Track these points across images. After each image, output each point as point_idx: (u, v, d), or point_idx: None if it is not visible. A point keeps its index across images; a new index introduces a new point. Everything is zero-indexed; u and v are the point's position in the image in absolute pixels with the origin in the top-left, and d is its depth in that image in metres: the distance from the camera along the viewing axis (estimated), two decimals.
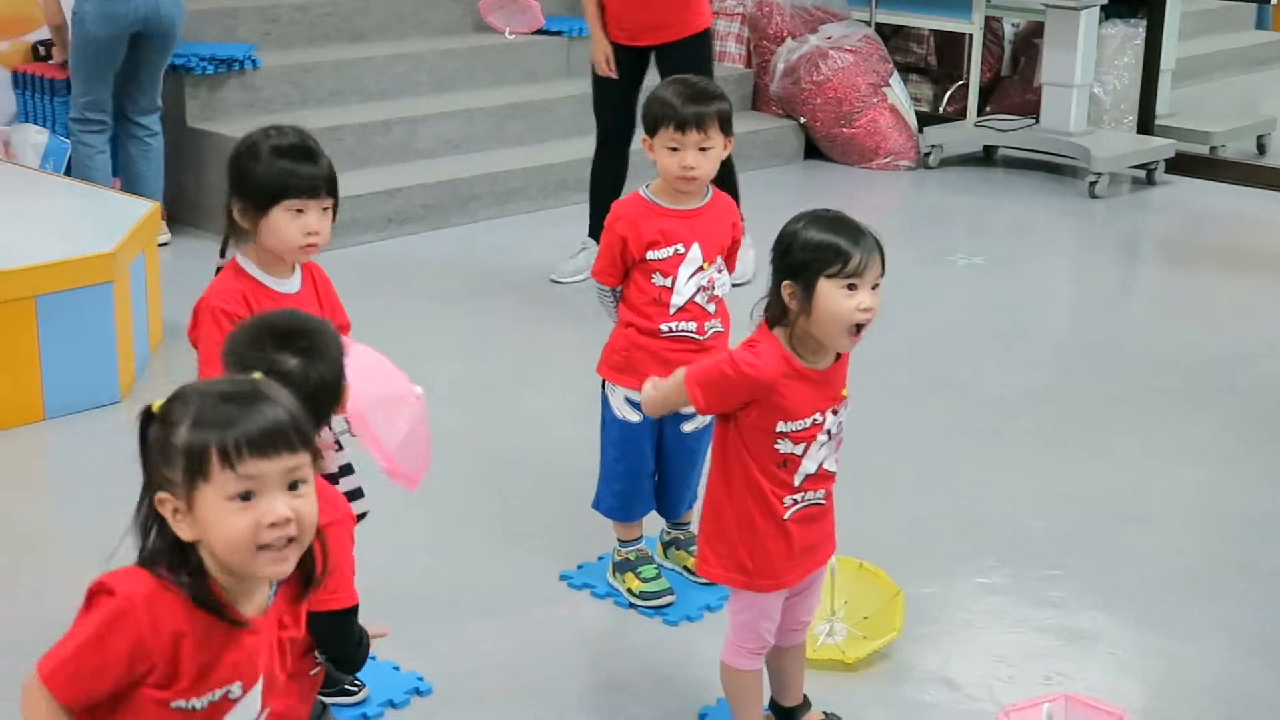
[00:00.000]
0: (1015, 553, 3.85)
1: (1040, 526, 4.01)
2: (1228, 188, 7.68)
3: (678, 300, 3.41)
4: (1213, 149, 8.04)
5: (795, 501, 2.74)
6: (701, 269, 3.42)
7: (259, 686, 1.97)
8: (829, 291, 2.59)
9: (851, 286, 2.60)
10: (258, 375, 2.00)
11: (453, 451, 4.34)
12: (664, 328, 3.42)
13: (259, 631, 1.96)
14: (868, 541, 3.59)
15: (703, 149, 3.35)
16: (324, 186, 2.91)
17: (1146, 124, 7.95)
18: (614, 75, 5.62)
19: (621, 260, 3.43)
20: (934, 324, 5.64)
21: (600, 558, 3.71)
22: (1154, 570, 3.80)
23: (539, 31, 7.76)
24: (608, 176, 5.80)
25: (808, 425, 2.69)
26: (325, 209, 2.92)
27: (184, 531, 1.88)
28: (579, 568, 3.70)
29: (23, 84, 6.59)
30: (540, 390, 4.92)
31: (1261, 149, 8.24)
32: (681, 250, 3.40)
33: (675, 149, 3.35)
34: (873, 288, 2.62)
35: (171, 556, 1.90)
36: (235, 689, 1.94)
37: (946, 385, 5.01)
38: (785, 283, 2.63)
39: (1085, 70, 7.62)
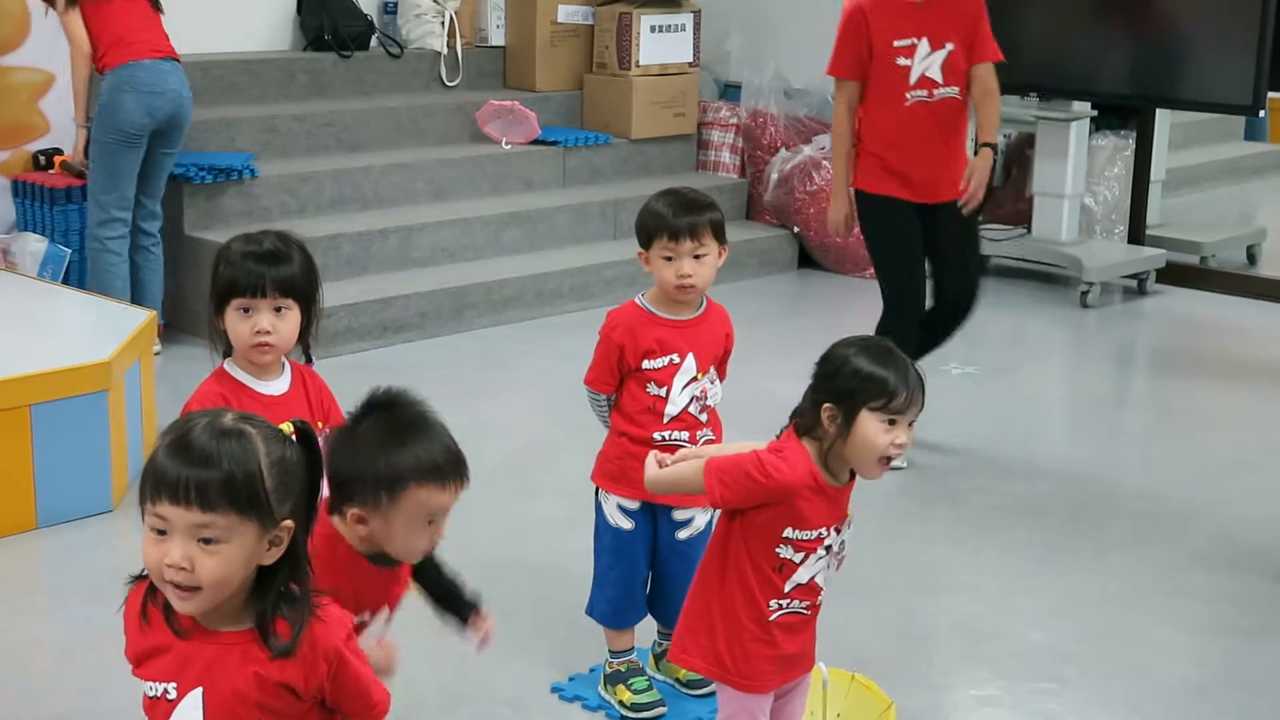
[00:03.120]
0: (1010, 665, 3.83)
1: (1036, 638, 3.99)
2: (1219, 297, 7.73)
3: (672, 410, 3.43)
4: (1203, 259, 8.09)
5: (780, 606, 2.74)
6: (695, 379, 3.44)
7: (197, 700, 2.02)
8: (869, 423, 2.62)
9: (892, 422, 2.63)
10: (286, 427, 2.06)
11: (447, 558, 4.32)
12: (657, 436, 3.43)
13: (212, 644, 2.03)
14: (861, 653, 3.58)
15: (697, 257, 3.38)
16: (274, 286, 2.88)
17: (1137, 234, 8.02)
18: (841, 240, 5.35)
19: (617, 369, 3.45)
20: (928, 433, 5.63)
21: (592, 669, 3.69)
22: (1153, 682, 3.77)
23: (535, 141, 7.85)
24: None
25: (813, 538, 2.70)
26: (279, 309, 2.89)
27: None
28: (570, 679, 3.68)
29: (22, 192, 6.64)
30: (535, 498, 4.91)
31: (1252, 259, 8.30)
32: (677, 360, 3.42)
33: (671, 258, 3.38)
34: (909, 424, 2.65)
35: None
36: (171, 689, 2.03)
37: (940, 495, 5.00)
38: (827, 405, 2.65)
39: (1076, 181, 7.70)
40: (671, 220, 3.37)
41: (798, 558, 2.70)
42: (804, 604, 2.77)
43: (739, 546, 2.74)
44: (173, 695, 2.03)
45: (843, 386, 2.64)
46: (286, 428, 2.05)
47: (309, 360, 3.07)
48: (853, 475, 2.74)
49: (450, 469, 2.47)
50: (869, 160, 5.15)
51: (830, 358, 2.70)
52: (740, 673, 2.78)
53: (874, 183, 5.16)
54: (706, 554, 2.83)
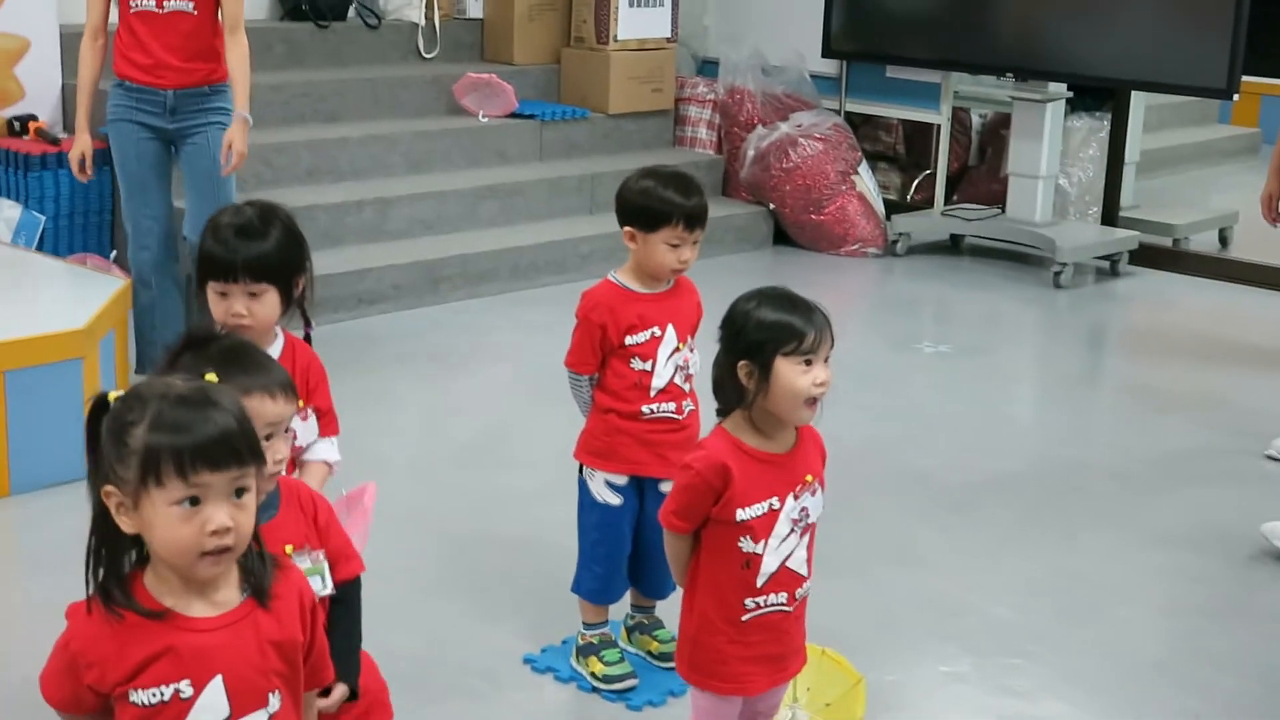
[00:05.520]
0: (979, 641, 3.87)
1: (1004, 614, 4.03)
2: (1191, 280, 7.78)
3: (658, 382, 3.45)
4: (1176, 241, 8.14)
5: (757, 605, 2.71)
6: (678, 349, 3.46)
7: (218, 688, 1.99)
8: (786, 370, 2.63)
9: (808, 362, 2.63)
10: (211, 377, 2.04)
11: (420, 530, 4.35)
12: (645, 410, 3.45)
13: (214, 629, 1.99)
14: (831, 628, 3.60)
15: (696, 242, 3.41)
16: (246, 271, 2.88)
17: (1111, 216, 8.06)
18: (1269, 220, 5.30)
19: (600, 348, 3.45)
20: (899, 411, 5.68)
21: (564, 641, 3.71)
22: (1118, 659, 3.82)
23: (512, 115, 7.84)
24: None
25: (764, 511, 2.68)
26: (253, 294, 2.89)
27: (126, 525, 1.96)
28: (543, 651, 3.70)
29: None
30: (508, 470, 4.92)
31: (1224, 242, 8.35)
32: (659, 333, 3.44)
33: (677, 245, 3.39)
34: (824, 361, 2.66)
35: (114, 544, 1.99)
36: (185, 687, 1.98)
37: (911, 472, 5.04)
38: (741, 363, 2.66)
39: (1051, 162, 7.73)
40: (688, 207, 3.37)
41: (759, 547, 2.68)
42: (780, 598, 2.73)
43: (707, 553, 2.73)
44: (188, 693, 1.98)
45: (752, 340, 2.65)
46: (211, 377, 2.04)
47: (308, 324, 3.07)
48: (797, 441, 2.73)
49: (253, 379, 2.34)
50: None
51: (734, 316, 2.70)
52: (718, 675, 2.75)
53: None
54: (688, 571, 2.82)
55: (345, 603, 2.53)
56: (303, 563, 2.43)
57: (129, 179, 5.33)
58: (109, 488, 1.95)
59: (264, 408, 2.33)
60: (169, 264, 5.35)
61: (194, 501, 1.91)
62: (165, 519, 1.92)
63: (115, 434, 1.94)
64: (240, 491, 1.94)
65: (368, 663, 2.70)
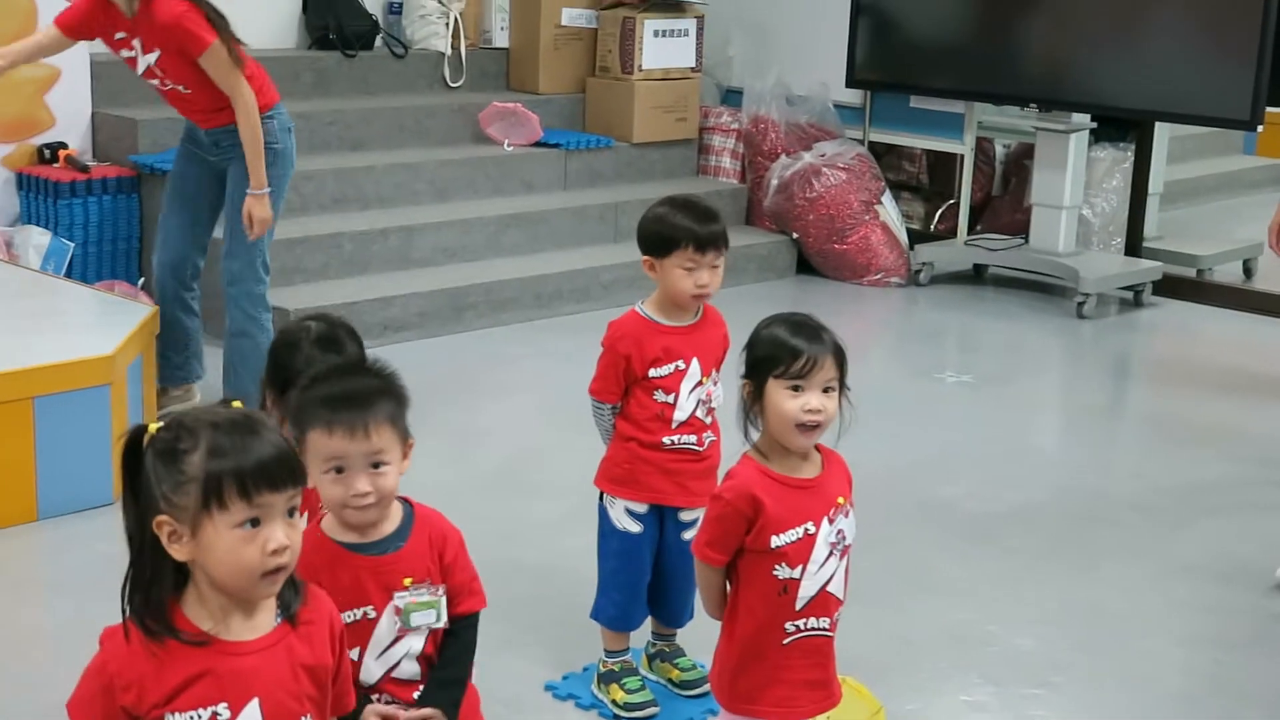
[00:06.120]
0: (999, 670, 3.87)
1: (1025, 644, 4.03)
2: (1215, 310, 7.77)
3: (680, 415, 3.47)
4: (1200, 272, 8.13)
5: (798, 629, 2.72)
6: (700, 383, 3.48)
7: (255, 711, 2.02)
8: (774, 392, 2.65)
9: (797, 388, 2.64)
10: (237, 404, 2.08)
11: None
12: (666, 441, 3.47)
13: (252, 653, 2.03)
14: (852, 656, 3.60)
15: (714, 266, 3.42)
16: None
17: (1135, 246, 8.05)
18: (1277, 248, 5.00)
19: (624, 378, 3.48)
20: (922, 441, 5.68)
21: (585, 668, 3.72)
22: (1140, 690, 3.81)
23: (537, 144, 7.88)
24: None
25: (800, 536, 2.68)
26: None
27: (178, 553, 1.99)
28: (564, 678, 3.72)
29: (26, 186, 6.68)
30: (530, 497, 4.94)
31: (1248, 273, 8.33)
32: (683, 366, 3.46)
33: (691, 269, 3.40)
34: (825, 390, 2.65)
35: (156, 574, 2.00)
36: (222, 710, 2.01)
37: (933, 501, 5.04)
38: (743, 381, 2.71)
39: (1074, 192, 7.74)
40: (700, 232, 3.38)
41: (796, 572, 2.69)
42: (824, 622, 2.74)
43: (743, 582, 2.73)
44: (225, 715, 2.01)
45: (754, 359, 2.69)
46: (237, 404, 2.09)
47: None
48: (835, 465, 2.75)
49: (337, 415, 2.41)
50: None
51: (750, 337, 2.74)
52: (764, 700, 2.75)
53: None
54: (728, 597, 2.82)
55: (458, 636, 2.59)
56: (420, 596, 2.49)
57: (167, 190, 5.48)
58: (162, 518, 1.97)
59: (330, 444, 2.41)
60: (167, 283, 5.39)
61: (254, 523, 1.96)
62: (228, 542, 1.95)
63: (168, 463, 1.97)
64: (292, 511, 2.00)
65: (472, 696, 2.72)
